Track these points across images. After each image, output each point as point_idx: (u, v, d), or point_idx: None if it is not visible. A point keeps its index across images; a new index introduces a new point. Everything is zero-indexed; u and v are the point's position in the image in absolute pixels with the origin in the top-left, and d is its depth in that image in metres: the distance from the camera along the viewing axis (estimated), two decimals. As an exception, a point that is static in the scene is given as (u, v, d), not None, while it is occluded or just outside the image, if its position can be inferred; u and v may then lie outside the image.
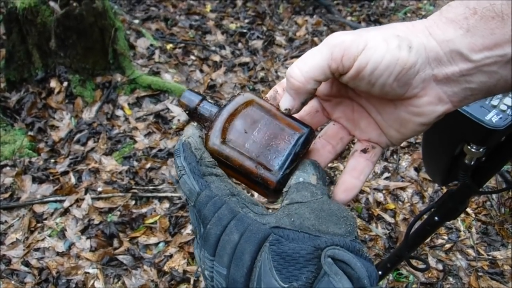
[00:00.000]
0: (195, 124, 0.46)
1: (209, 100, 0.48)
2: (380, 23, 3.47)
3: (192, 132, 0.44)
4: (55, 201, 2.06)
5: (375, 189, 2.17)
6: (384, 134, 0.47)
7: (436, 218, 0.88)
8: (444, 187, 2.18)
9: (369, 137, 0.48)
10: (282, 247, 0.35)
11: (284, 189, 0.42)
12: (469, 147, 0.65)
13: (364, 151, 0.47)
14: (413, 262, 1.48)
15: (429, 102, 0.41)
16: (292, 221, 0.37)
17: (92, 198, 2.06)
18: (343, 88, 0.47)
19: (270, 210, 0.42)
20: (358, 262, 0.34)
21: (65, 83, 2.49)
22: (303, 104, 0.45)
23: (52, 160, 2.25)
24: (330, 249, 0.35)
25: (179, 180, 0.42)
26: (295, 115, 0.47)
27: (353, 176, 0.46)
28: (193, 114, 0.47)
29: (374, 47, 0.39)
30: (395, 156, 2.35)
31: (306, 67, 0.41)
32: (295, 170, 0.43)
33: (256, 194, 1.66)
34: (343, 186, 0.46)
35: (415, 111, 0.42)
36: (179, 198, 2.09)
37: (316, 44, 3.41)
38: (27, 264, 1.85)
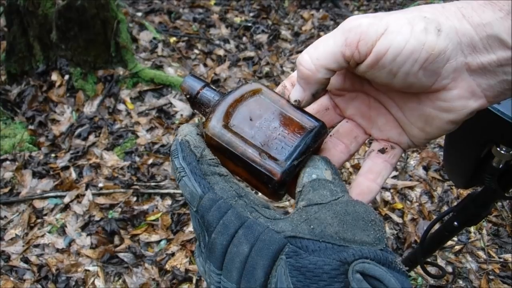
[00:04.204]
0: (193, 119, 0.41)
1: (212, 87, 0.43)
2: (388, 18, 3.39)
3: (188, 129, 0.39)
4: (55, 197, 2.02)
5: (382, 187, 2.11)
6: (405, 133, 0.42)
7: (455, 223, 0.83)
8: (454, 187, 2.13)
9: (388, 136, 0.43)
10: (301, 260, 0.30)
11: (297, 189, 0.37)
12: (498, 148, 0.60)
13: (382, 151, 0.42)
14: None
15: (460, 96, 0.36)
16: (312, 228, 0.32)
17: (93, 194, 2.02)
18: (358, 81, 0.42)
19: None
20: (392, 277, 0.29)
21: (66, 76, 2.44)
22: (314, 96, 0.40)
23: (53, 155, 2.20)
24: (358, 263, 0.30)
25: (179, 183, 0.37)
26: (306, 109, 0.42)
27: (369, 179, 0.41)
28: (194, 100, 0.43)
29: (396, 31, 0.34)
30: (403, 154, 2.29)
31: (317, 53, 0.37)
32: (305, 167, 0.38)
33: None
34: (357, 189, 0.41)
35: (443, 107, 0.37)
36: (182, 195, 2.05)
37: (322, 39, 3.35)
38: (26, 260, 1.82)
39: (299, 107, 0.41)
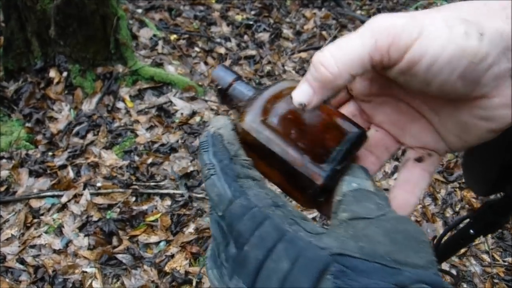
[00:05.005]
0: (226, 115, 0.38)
1: (244, 80, 0.40)
2: (391, 18, 3.36)
3: (223, 122, 0.35)
4: (52, 196, 1.98)
5: (385, 189, 2.08)
6: (442, 139, 0.38)
7: (471, 231, 0.79)
8: (458, 189, 2.10)
9: (424, 143, 0.39)
10: (350, 282, 0.27)
11: (337, 197, 0.34)
12: (525, 154, 0.57)
13: (419, 160, 0.38)
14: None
15: (501, 105, 0.32)
16: (361, 246, 0.28)
17: (91, 194, 1.98)
18: (386, 84, 0.38)
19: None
20: None
21: (65, 73, 2.40)
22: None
23: (50, 153, 2.16)
24: None
25: (205, 181, 0.33)
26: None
27: (406, 191, 0.37)
28: (226, 93, 0.39)
29: (432, 35, 0.30)
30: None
31: (342, 55, 0.32)
32: (344, 174, 0.35)
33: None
34: (394, 202, 0.37)
35: (482, 115, 0.34)
36: (182, 195, 2.01)
37: (324, 39, 3.31)
38: (22, 261, 1.78)
39: (338, 112, 0.38)
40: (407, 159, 0.39)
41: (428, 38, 0.30)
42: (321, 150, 0.35)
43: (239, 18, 3.16)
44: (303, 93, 0.34)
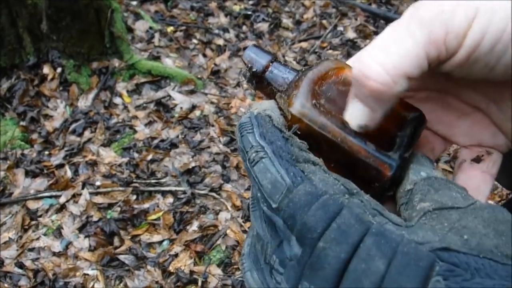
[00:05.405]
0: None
1: (281, 61, 0.35)
2: (392, 6, 3.29)
3: (269, 105, 0.31)
4: (50, 197, 1.92)
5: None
6: (502, 132, 0.33)
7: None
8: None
9: (479, 140, 0.34)
10: (466, 284, 0.21)
11: (407, 187, 0.29)
12: None
13: (477, 160, 0.33)
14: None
15: None
16: (465, 240, 0.23)
17: (90, 193, 1.92)
18: (430, 78, 0.33)
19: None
20: None
21: (59, 69, 2.33)
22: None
23: (46, 152, 2.10)
24: None
25: (253, 167, 0.27)
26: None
27: None
28: (261, 77, 0.35)
29: (491, 10, 0.25)
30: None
31: (392, 59, 0.26)
32: (409, 163, 0.31)
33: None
34: None
35: None
36: (184, 192, 1.95)
37: (325, 28, 3.24)
38: (21, 265, 1.72)
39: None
40: (461, 161, 0.34)
41: (487, 14, 0.25)
42: (383, 136, 0.30)
43: (236, 8, 3.08)
44: (360, 114, 0.29)
